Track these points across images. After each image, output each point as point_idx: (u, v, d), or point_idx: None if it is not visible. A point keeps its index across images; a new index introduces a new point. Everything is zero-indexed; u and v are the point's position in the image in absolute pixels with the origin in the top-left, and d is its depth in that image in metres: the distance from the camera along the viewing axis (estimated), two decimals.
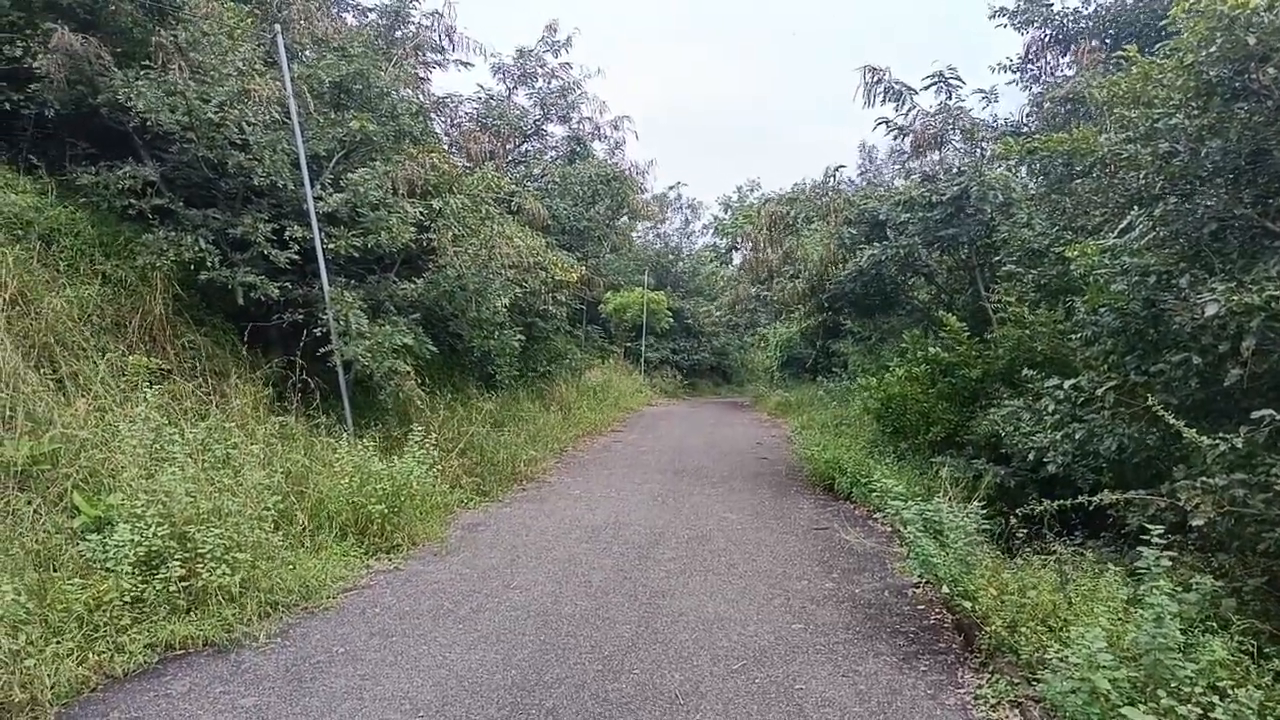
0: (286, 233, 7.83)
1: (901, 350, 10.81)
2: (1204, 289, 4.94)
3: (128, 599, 4.50)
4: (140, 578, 4.63)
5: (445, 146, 13.69)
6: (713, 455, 13.49)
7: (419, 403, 8.87)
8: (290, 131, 7.94)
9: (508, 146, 17.19)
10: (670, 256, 37.75)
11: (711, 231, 40.94)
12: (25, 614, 4.03)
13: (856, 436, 12.24)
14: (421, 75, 14.03)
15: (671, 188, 39.31)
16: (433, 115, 13.03)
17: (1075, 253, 6.44)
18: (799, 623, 5.40)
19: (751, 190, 35.60)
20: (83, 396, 5.96)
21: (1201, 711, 3.33)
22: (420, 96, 12.86)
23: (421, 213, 9.10)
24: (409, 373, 8.52)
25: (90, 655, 4.14)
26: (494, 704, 4.06)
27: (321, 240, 8.11)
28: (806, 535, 7.93)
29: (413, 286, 9.27)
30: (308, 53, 9.63)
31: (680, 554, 7.05)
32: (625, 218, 22.33)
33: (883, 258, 11.57)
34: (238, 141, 7.50)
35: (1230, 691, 3.46)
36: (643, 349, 30.01)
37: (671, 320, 31.44)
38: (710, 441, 15.57)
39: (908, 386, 9.92)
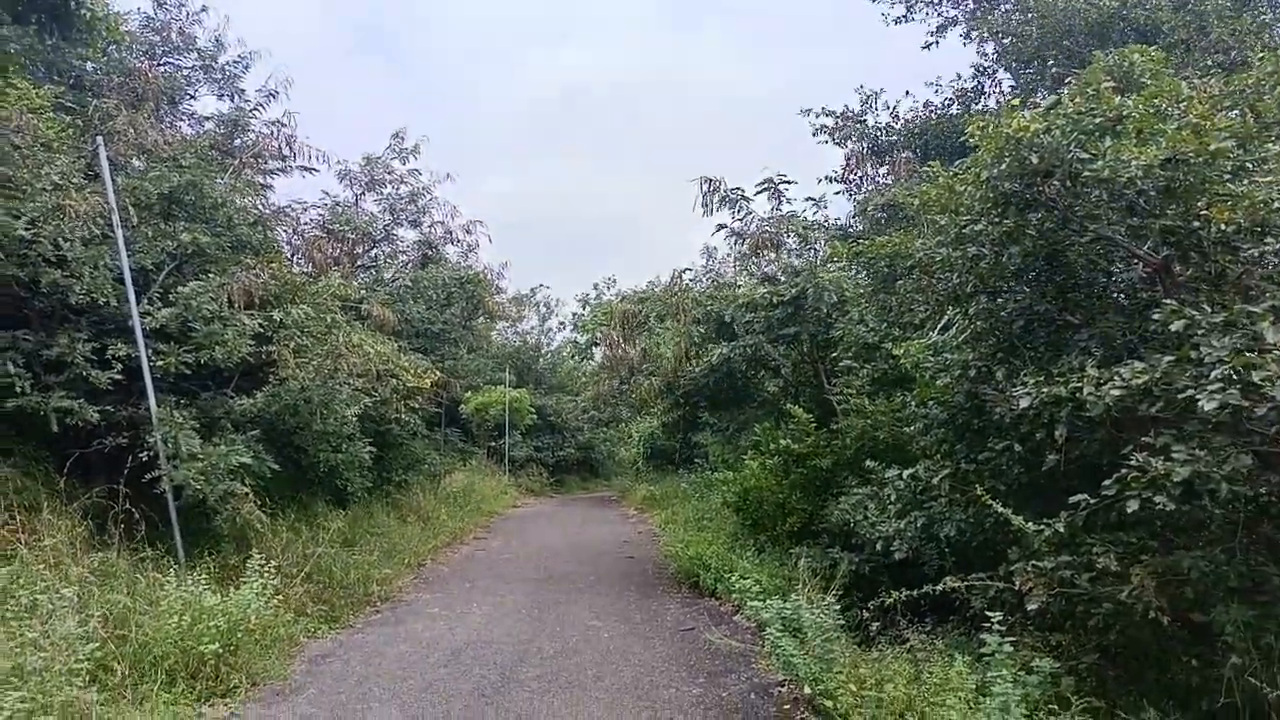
0: (109, 351, 7.34)
1: (755, 443, 11.10)
2: (1018, 382, 5.35)
3: None
4: None
5: (288, 254, 13.35)
6: (579, 558, 13.24)
7: (259, 526, 8.30)
8: (114, 245, 7.51)
9: (357, 251, 16.93)
10: (530, 354, 37.72)
11: (570, 327, 41.35)
12: None
13: (719, 530, 12.36)
14: (263, 183, 13.71)
15: (532, 289, 39.65)
16: (274, 224, 12.66)
17: (901, 350, 6.87)
18: None
19: (609, 287, 36.33)
20: None
21: None
22: (260, 205, 12.52)
23: (261, 325, 8.74)
24: (247, 494, 8.00)
25: None
26: None
27: (149, 358, 7.62)
28: (673, 637, 7.85)
29: (251, 402, 8.80)
30: (136, 163, 9.24)
31: (545, 671, 6.80)
32: (482, 318, 22.23)
33: (731, 355, 12.01)
34: (53, 259, 7.03)
35: None
36: (506, 448, 29.52)
37: (535, 417, 31.16)
38: (577, 543, 15.31)
39: (763, 479, 10.17)
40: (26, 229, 6.80)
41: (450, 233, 20.11)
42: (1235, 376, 3.88)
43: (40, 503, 7.07)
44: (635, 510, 22.09)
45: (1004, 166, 5.56)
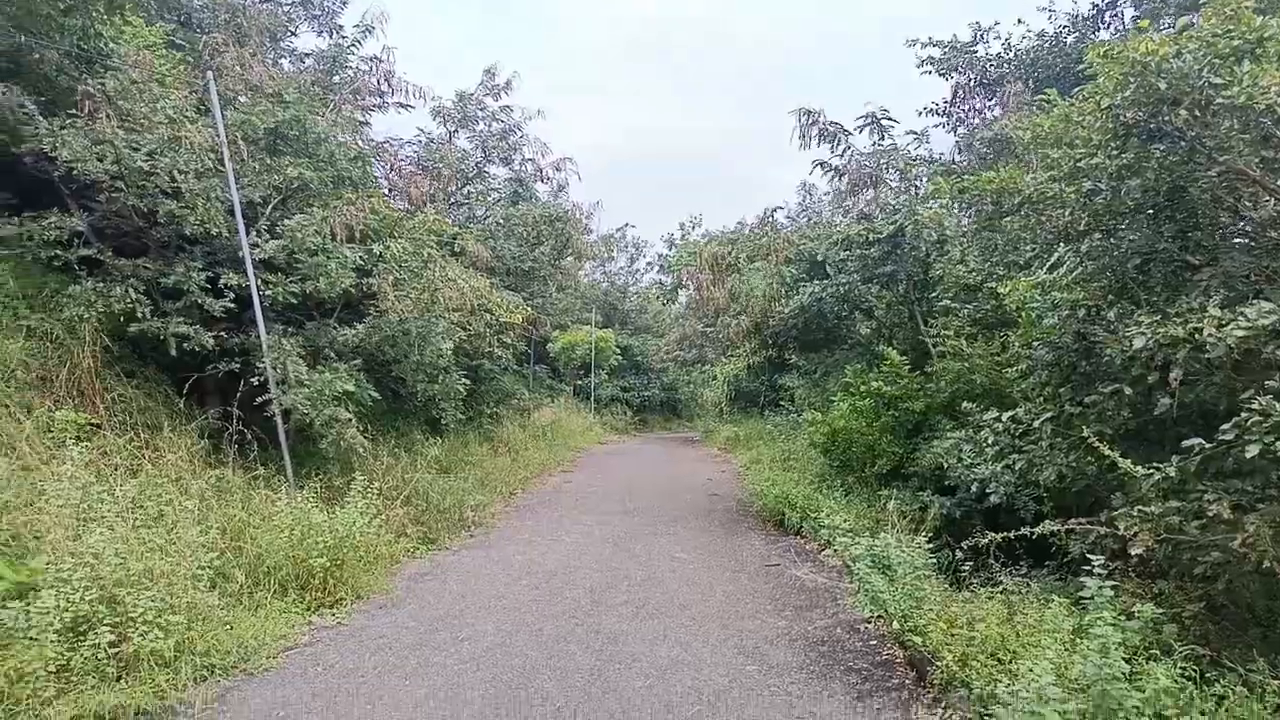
0: (221, 281, 7.67)
1: (845, 385, 10.97)
2: (1130, 322, 5.10)
3: (52, 669, 4.26)
4: (66, 645, 4.40)
5: (385, 190, 13.62)
6: (664, 494, 13.43)
7: (361, 451, 8.66)
8: (224, 179, 7.80)
9: (449, 189, 17.17)
10: (618, 294, 37.90)
11: (656, 269, 41.29)
12: None
13: (805, 470, 12.32)
14: (361, 119, 13.98)
15: (619, 229, 39.65)
16: (372, 159, 12.92)
17: (1007, 289, 6.62)
18: (752, 664, 5.35)
19: (694, 226, 35.98)
20: (5, 455, 5.71)
21: None
22: (359, 141, 12.78)
23: (361, 258, 8.99)
24: (350, 420, 8.33)
25: None
26: None
27: (258, 288, 7.94)
28: (758, 573, 7.91)
29: (353, 332, 9.12)
30: (242, 99, 9.51)
31: (632, 597, 6.97)
32: (570, 257, 22.39)
33: (823, 295, 11.78)
34: (169, 190, 7.35)
35: (1175, 719, 3.51)
36: (592, 387, 29.93)
37: (620, 358, 31.47)
38: (661, 480, 15.52)
39: (852, 420, 10.05)
40: (145, 160, 7.12)
41: (540, 170, 20.23)
42: None
43: (161, 422, 7.53)
44: (718, 451, 22.18)
45: (1128, 94, 5.22)
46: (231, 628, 5.42)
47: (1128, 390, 5.19)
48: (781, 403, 19.95)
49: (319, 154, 9.76)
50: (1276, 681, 3.82)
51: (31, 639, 4.32)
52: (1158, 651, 4.20)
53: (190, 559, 5.58)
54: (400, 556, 8.15)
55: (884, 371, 9.85)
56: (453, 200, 17.77)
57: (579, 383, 30.20)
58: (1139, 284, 5.78)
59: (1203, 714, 3.57)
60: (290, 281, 8.18)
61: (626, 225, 41.33)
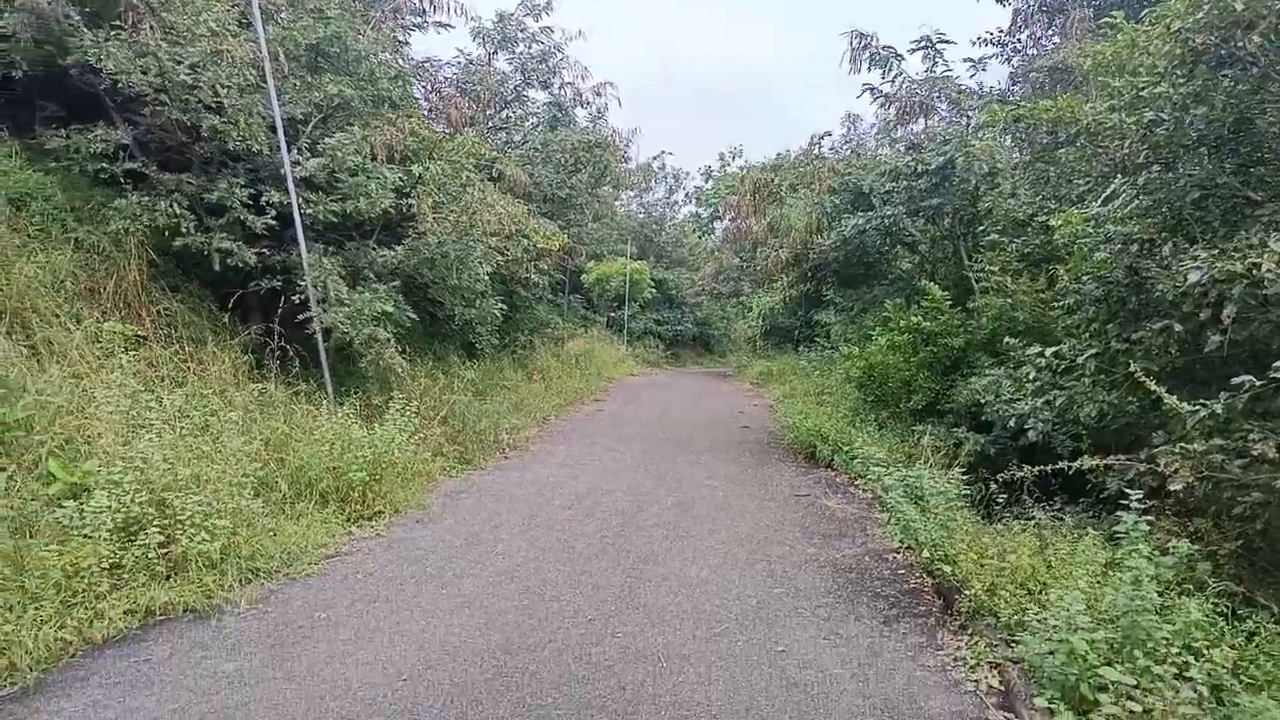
0: (263, 198, 7.71)
1: (884, 319, 10.85)
2: (1186, 257, 4.96)
3: (106, 565, 4.45)
4: (118, 544, 4.59)
5: (424, 111, 13.49)
6: (695, 424, 13.52)
7: (399, 371, 8.79)
8: (266, 95, 7.76)
9: (488, 112, 17.00)
10: (654, 227, 37.62)
11: (694, 201, 40.80)
12: (2, 580, 3.98)
13: (838, 405, 12.30)
14: (401, 39, 13.79)
15: (655, 157, 39.16)
16: (411, 79, 12.77)
17: (1059, 221, 6.45)
18: (780, 587, 5.44)
19: (734, 158, 35.34)
20: (57, 363, 5.86)
21: (1177, 670, 3.38)
22: (399, 60, 12.62)
23: (401, 178, 8.98)
24: (389, 340, 8.44)
25: (69, 621, 4.11)
26: (477, 667, 4.06)
27: (299, 206, 7.97)
28: (788, 502, 7.97)
29: (392, 254, 9.17)
30: (283, 14, 9.39)
31: (663, 520, 7.07)
32: (608, 186, 22.17)
33: (866, 227, 11.57)
34: (212, 104, 7.33)
35: (1205, 651, 3.52)
36: (625, 319, 29.96)
37: (654, 290, 31.41)
38: (693, 411, 15.60)
39: (890, 355, 9.97)
40: (188, 74, 7.10)
41: (580, 94, 19.91)
42: None
43: (205, 337, 7.67)
44: (750, 385, 22.21)
45: (1200, 15, 4.97)
46: (275, 534, 5.61)
47: (1178, 327, 5.07)
48: (816, 339, 19.85)
49: (359, 72, 9.66)
50: None
51: (86, 536, 4.51)
52: (1190, 588, 4.19)
53: (235, 467, 5.74)
54: (437, 475, 8.33)
55: (924, 307, 9.71)
56: (491, 124, 17.59)
57: (612, 314, 30.24)
58: (1196, 219, 5.59)
59: (1232, 648, 3.57)
60: (331, 201, 8.20)
61: (663, 153, 40.71)
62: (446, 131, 12.25)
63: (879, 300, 13.24)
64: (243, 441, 6.14)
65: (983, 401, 7.36)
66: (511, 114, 19.13)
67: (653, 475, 8.98)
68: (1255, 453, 4.31)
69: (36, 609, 4.01)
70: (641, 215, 38.20)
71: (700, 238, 36.27)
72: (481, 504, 7.47)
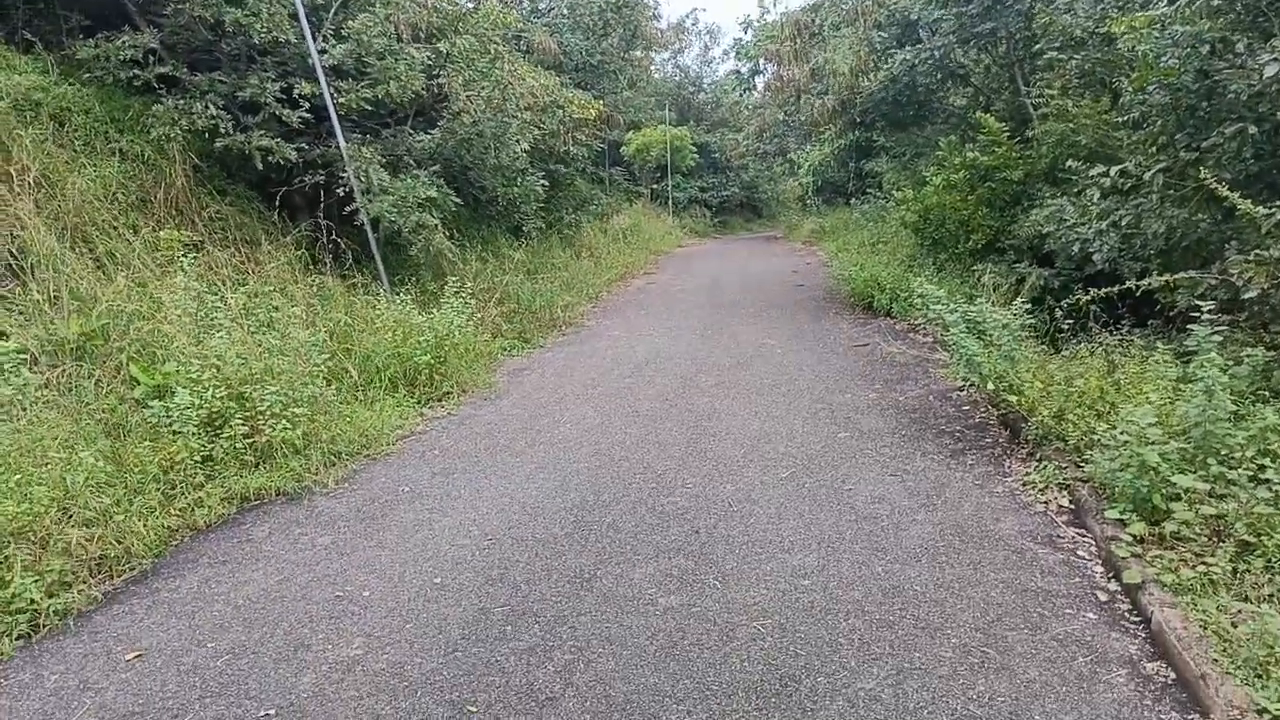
0: (295, 91, 7.61)
1: (938, 160, 10.44)
2: (1263, 50, 4.61)
3: (198, 458, 4.70)
4: (206, 438, 4.82)
5: None
6: (748, 288, 13.42)
7: (450, 256, 8.84)
8: None
9: None
10: (691, 88, 36.33)
11: (733, 56, 39.12)
12: (107, 476, 4.24)
13: (894, 253, 12.07)
14: None
15: (688, 15, 37.38)
16: None
17: (1122, 27, 6.02)
18: (844, 431, 5.49)
19: (775, 3, 33.62)
20: (122, 273, 6.03)
21: (1252, 474, 3.35)
22: None
23: (429, 58, 8.76)
24: (437, 225, 8.45)
25: (173, 510, 4.38)
26: (557, 524, 4.24)
27: (331, 95, 7.87)
28: (847, 353, 7.96)
29: (429, 138, 9.06)
30: None
31: (723, 379, 7.14)
32: (640, 50, 21.33)
33: (916, 62, 10.96)
34: None
35: None
36: (669, 189, 29.41)
37: (697, 157, 30.56)
38: (745, 275, 15.47)
39: (946, 196, 9.64)
40: None
41: None
42: None
43: (258, 237, 7.77)
44: (802, 244, 21.86)
45: None
46: (351, 419, 5.81)
47: (1253, 129, 4.78)
48: (869, 190, 19.27)
49: None
50: None
51: (175, 433, 4.74)
52: (1266, 394, 4.10)
53: (304, 358, 5.92)
54: (498, 354, 8.49)
55: (980, 142, 9.30)
56: None
57: (655, 185, 29.68)
58: (1274, 13, 5.15)
59: None
60: (362, 87, 8.07)
61: (696, 9, 38.86)
62: (470, 4, 11.81)
63: (932, 142, 12.70)
64: (308, 334, 6.30)
65: (1045, 233, 7.12)
66: None
67: (709, 340, 9.01)
68: None
69: (143, 501, 4.28)
70: (678, 77, 36.86)
71: (741, 94, 34.93)
72: (544, 379, 7.62)
